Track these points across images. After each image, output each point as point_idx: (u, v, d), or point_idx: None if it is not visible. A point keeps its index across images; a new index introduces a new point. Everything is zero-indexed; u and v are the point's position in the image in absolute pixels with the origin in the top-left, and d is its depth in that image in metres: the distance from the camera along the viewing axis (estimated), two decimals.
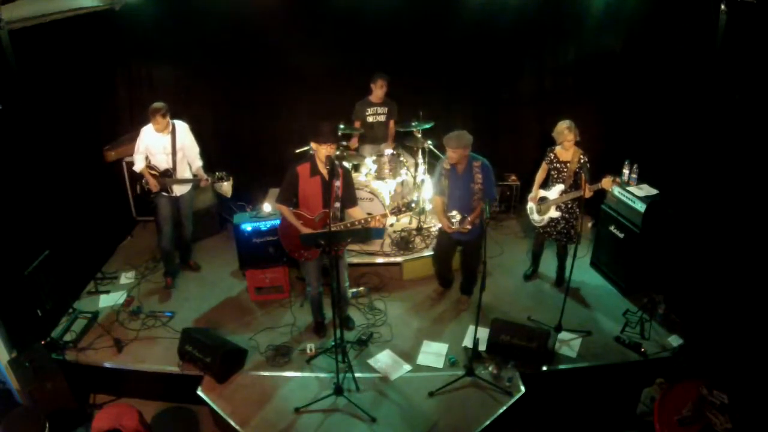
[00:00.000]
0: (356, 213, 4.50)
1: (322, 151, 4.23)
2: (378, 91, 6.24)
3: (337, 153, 4.65)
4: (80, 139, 5.87)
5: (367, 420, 4.22)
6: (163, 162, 5.29)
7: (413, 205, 5.20)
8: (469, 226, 4.82)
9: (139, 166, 5.33)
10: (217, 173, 5.26)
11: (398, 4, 6.16)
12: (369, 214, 4.50)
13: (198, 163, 5.44)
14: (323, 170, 4.33)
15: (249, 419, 4.27)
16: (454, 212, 4.82)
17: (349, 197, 4.50)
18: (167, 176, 5.31)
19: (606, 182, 4.82)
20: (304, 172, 4.38)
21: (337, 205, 4.39)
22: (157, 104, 5.07)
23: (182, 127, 5.33)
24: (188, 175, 5.45)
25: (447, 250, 5.34)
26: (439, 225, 5.15)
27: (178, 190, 5.44)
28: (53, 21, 4.83)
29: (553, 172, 5.26)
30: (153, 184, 5.28)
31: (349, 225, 4.36)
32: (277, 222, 5.39)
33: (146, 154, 5.29)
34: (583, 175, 4.89)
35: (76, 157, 5.77)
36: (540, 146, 6.60)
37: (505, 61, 6.60)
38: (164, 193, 5.38)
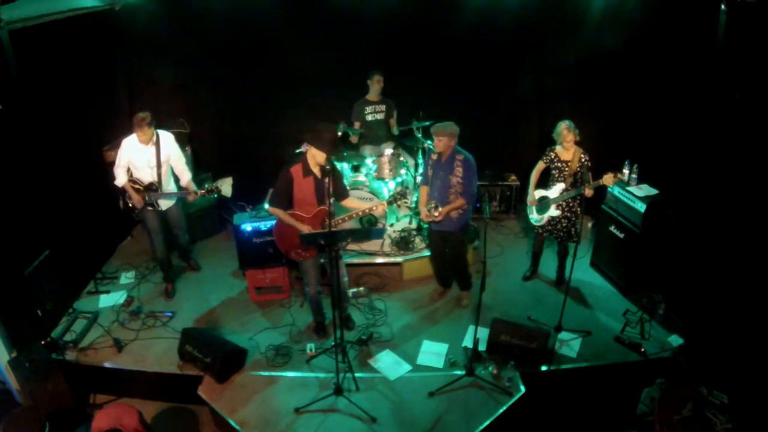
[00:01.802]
0: (352, 203, 4.60)
1: (321, 158, 4.24)
2: (375, 86, 6.28)
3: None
4: (80, 139, 5.87)
5: (367, 420, 4.22)
6: (147, 176, 5.06)
7: (408, 193, 5.19)
8: (436, 214, 4.72)
9: (120, 180, 5.07)
10: (207, 185, 5.10)
11: (398, 4, 6.16)
12: (369, 211, 4.54)
13: (187, 175, 5.23)
14: (315, 170, 4.36)
15: (249, 419, 4.27)
16: (433, 203, 4.79)
17: (341, 191, 4.56)
18: (152, 190, 5.10)
19: (607, 178, 4.82)
20: (297, 173, 4.38)
21: (332, 200, 4.41)
22: (142, 113, 4.87)
23: (167, 138, 5.10)
24: (173, 188, 5.24)
25: (437, 247, 5.35)
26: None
27: (165, 204, 5.26)
28: (53, 21, 4.83)
29: (554, 172, 5.26)
30: (137, 200, 5.04)
31: (347, 218, 4.46)
32: None
33: (128, 168, 5.07)
34: (583, 174, 4.89)
35: (76, 157, 5.76)
36: (540, 146, 6.61)
37: (505, 60, 6.60)
38: (149, 208, 5.18)
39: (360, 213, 4.53)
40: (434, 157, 4.96)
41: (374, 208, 4.48)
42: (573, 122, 5.08)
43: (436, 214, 4.74)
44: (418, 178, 6.31)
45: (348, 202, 4.63)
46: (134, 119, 4.87)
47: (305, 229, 4.39)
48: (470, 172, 4.83)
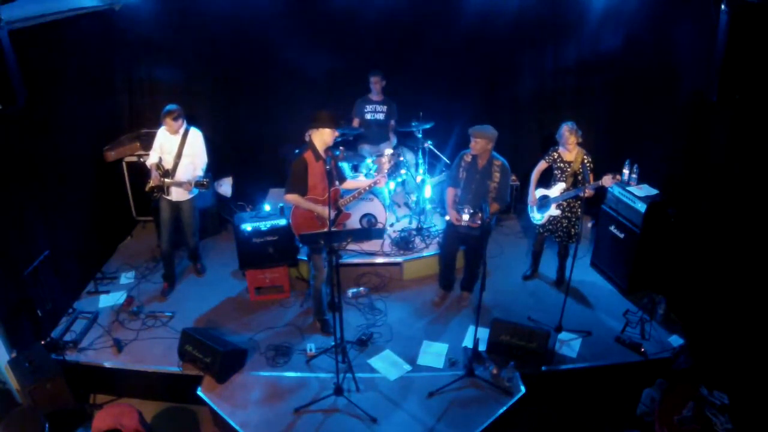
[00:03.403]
0: (351, 184, 4.94)
1: (329, 135, 4.49)
2: (376, 86, 6.31)
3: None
4: (80, 139, 5.87)
5: (367, 420, 4.22)
6: (168, 163, 5.28)
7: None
8: (479, 222, 4.84)
9: (150, 160, 5.33)
10: (200, 178, 5.22)
11: (398, 4, 6.16)
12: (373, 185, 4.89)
13: (199, 173, 5.34)
14: (323, 155, 4.57)
15: (249, 419, 4.27)
16: (467, 207, 4.88)
17: (341, 174, 4.89)
18: (166, 177, 5.28)
19: (606, 180, 4.85)
20: (310, 159, 4.56)
21: (337, 183, 4.69)
22: (169, 107, 5.10)
23: (195, 135, 5.32)
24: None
25: (452, 246, 5.33)
26: (445, 221, 5.19)
27: (176, 194, 5.36)
28: (53, 21, 4.82)
29: (556, 172, 5.27)
30: (154, 178, 5.25)
31: (356, 195, 4.85)
32: (278, 222, 5.42)
33: (160, 153, 5.29)
34: (583, 174, 4.90)
35: (76, 157, 5.76)
36: (540, 146, 6.61)
37: (505, 61, 6.61)
38: (164, 195, 5.35)
39: (367, 187, 4.87)
40: (468, 159, 4.95)
41: (377, 182, 4.84)
42: (575, 124, 5.08)
43: (479, 221, 4.83)
44: (419, 178, 6.31)
45: (347, 184, 4.91)
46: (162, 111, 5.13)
47: (323, 211, 4.55)
48: (507, 178, 4.93)
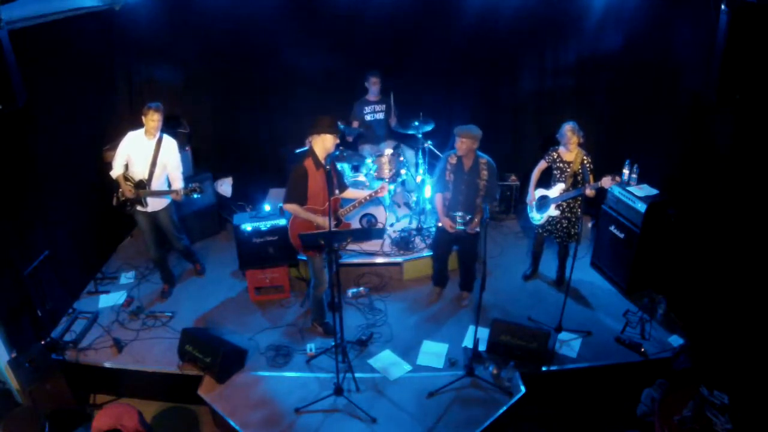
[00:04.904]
0: (351, 193, 4.84)
1: (330, 141, 4.40)
2: (374, 87, 6.31)
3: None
4: (80, 139, 5.87)
5: (367, 420, 4.22)
6: (140, 172, 5.01)
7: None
8: (477, 228, 4.84)
9: (116, 172, 5.03)
10: (190, 185, 5.04)
11: (399, 4, 6.16)
12: (375, 194, 4.79)
13: (179, 183, 5.11)
14: (324, 162, 4.49)
15: (249, 419, 4.27)
16: (460, 213, 4.87)
17: (343, 183, 4.82)
18: (141, 188, 5.04)
19: (606, 181, 4.84)
20: (310, 167, 4.47)
21: (337, 191, 4.61)
22: (154, 103, 4.94)
23: (169, 143, 5.07)
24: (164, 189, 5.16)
25: (445, 248, 5.33)
26: (437, 226, 5.17)
27: (152, 205, 5.15)
28: (53, 21, 4.82)
29: (555, 172, 5.26)
30: (128, 191, 5.00)
31: (357, 204, 4.74)
32: (278, 222, 5.42)
33: (126, 162, 5.02)
34: (583, 175, 4.90)
35: (76, 157, 5.76)
36: (540, 146, 6.61)
37: (505, 61, 6.60)
38: (139, 207, 5.13)
39: (368, 197, 4.73)
40: (453, 161, 4.92)
41: (379, 191, 4.73)
42: (577, 123, 5.08)
43: (477, 228, 4.84)
44: (419, 177, 6.31)
45: (348, 193, 4.83)
46: (144, 108, 4.91)
47: (324, 222, 4.47)
48: (494, 176, 4.92)
